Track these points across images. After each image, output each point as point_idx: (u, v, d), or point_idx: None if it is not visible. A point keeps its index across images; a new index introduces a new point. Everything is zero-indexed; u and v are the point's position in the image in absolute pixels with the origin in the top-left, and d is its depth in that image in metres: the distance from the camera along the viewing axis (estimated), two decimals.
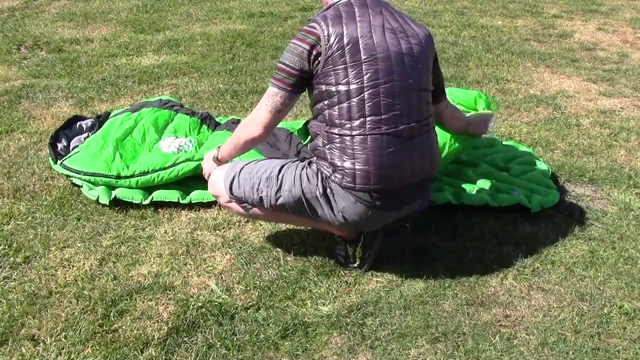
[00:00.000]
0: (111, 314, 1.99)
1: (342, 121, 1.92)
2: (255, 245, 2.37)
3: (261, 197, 2.06)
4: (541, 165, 2.86)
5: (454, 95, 2.68)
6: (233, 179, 2.10)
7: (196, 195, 2.59)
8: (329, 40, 1.89)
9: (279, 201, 2.04)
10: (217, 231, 2.45)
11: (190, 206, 2.59)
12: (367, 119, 1.91)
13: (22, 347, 1.86)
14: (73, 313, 2.00)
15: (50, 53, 4.57)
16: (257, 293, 2.11)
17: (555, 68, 4.40)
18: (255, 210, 2.14)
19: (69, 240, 2.37)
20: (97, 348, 1.86)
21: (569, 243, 2.40)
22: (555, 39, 5.09)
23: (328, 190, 1.98)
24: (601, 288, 2.16)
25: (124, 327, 1.95)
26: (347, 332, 1.95)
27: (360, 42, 1.90)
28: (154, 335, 1.91)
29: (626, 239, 2.43)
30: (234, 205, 2.16)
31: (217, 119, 3.19)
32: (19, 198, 2.64)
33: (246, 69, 4.25)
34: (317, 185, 1.98)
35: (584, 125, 3.43)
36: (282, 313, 2.03)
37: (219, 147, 2.21)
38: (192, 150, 2.79)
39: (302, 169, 2.03)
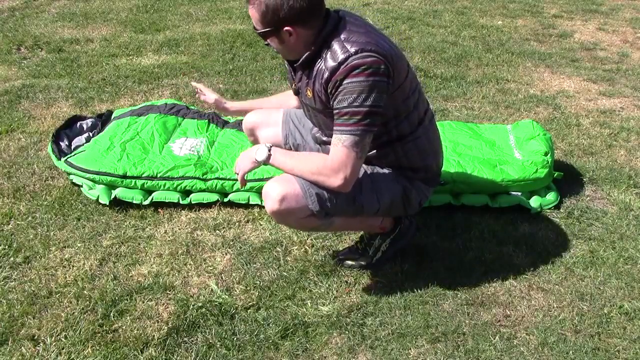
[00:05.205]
0: (111, 314, 1.99)
1: (413, 127, 1.98)
2: (255, 245, 2.37)
3: (362, 206, 1.98)
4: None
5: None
6: (320, 192, 1.89)
7: (196, 196, 2.60)
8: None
9: (379, 206, 2.01)
10: (217, 231, 2.45)
11: (190, 206, 2.59)
12: (426, 116, 2.04)
13: (22, 347, 1.86)
14: (73, 313, 2.00)
15: (50, 53, 4.56)
16: (257, 293, 2.11)
17: (555, 68, 4.40)
18: (336, 220, 2.02)
19: (69, 240, 2.38)
20: (97, 348, 1.86)
21: (569, 243, 2.40)
22: (555, 39, 5.09)
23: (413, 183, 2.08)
24: (601, 288, 2.16)
25: (124, 327, 1.95)
26: (347, 332, 1.96)
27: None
28: (154, 335, 1.91)
29: (626, 239, 2.43)
30: (311, 219, 1.94)
31: (224, 118, 3.19)
32: (19, 198, 2.65)
33: (246, 69, 4.25)
34: (405, 183, 2.06)
35: (584, 125, 3.43)
36: (282, 313, 2.03)
37: (269, 148, 1.93)
38: (204, 150, 2.81)
39: (389, 172, 2.04)
